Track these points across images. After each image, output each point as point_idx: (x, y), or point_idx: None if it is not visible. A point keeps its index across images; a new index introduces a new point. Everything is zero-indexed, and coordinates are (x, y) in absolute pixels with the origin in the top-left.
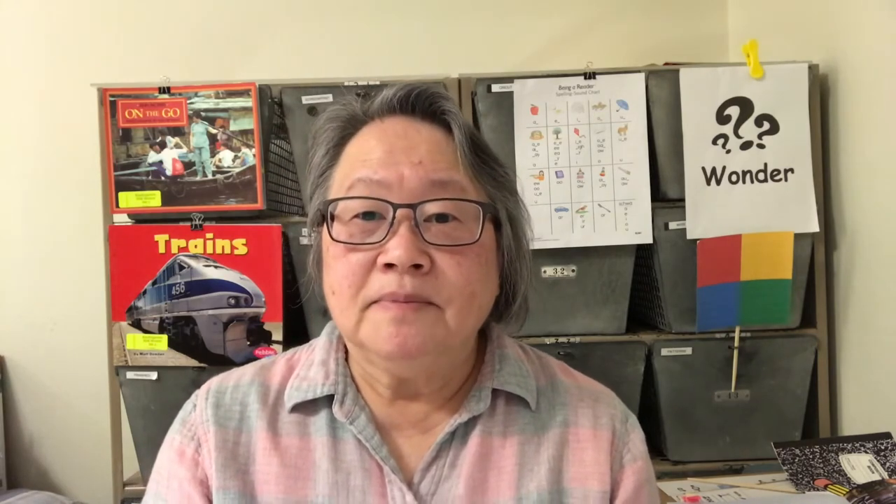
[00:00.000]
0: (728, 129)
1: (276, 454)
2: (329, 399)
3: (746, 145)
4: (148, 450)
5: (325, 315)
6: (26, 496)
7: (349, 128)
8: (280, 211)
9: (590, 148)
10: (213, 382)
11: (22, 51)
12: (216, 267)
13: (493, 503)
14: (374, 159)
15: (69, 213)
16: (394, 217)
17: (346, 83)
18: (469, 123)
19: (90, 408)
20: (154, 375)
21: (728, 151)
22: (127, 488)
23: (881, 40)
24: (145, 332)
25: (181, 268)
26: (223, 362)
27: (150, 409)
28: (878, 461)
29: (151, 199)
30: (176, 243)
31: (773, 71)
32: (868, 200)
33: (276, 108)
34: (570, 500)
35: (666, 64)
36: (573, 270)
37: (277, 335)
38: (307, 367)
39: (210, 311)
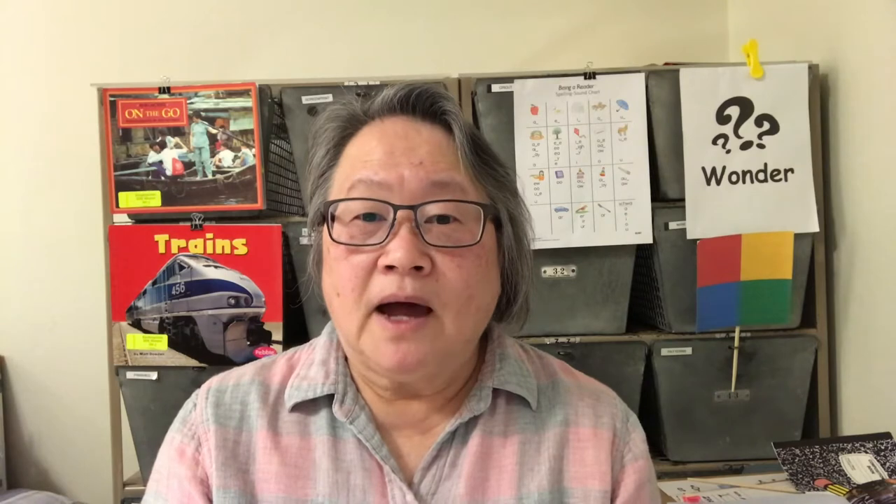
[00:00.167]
0: (728, 129)
1: (276, 453)
2: (329, 398)
3: (746, 145)
4: (148, 450)
5: (325, 315)
6: (26, 496)
7: (349, 128)
8: (280, 211)
9: (590, 148)
10: (214, 382)
11: (22, 51)
12: (216, 267)
13: (493, 503)
14: (375, 160)
15: (69, 213)
16: (394, 218)
17: (346, 83)
18: (470, 123)
19: (90, 408)
20: (154, 375)
21: (728, 151)
22: (127, 488)
23: (881, 40)
24: (145, 332)
25: (181, 268)
26: (223, 362)
27: (150, 409)
28: (878, 461)
29: (151, 199)
30: (176, 243)
31: (773, 71)
32: (868, 200)
33: (276, 108)
34: (571, 500)
35: (666, 64)
36: (573, 270)
37: (277, 335)
38: (307, 367)
39: (210, 311)
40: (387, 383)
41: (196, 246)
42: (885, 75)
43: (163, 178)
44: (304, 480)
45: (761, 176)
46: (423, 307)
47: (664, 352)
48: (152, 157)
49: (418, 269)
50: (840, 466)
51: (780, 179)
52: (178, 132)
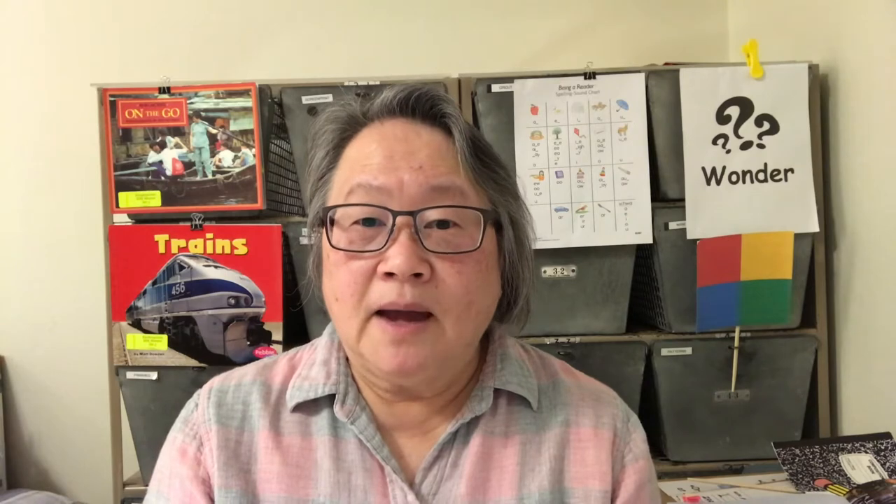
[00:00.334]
0: (728, 129)
1: (277, 453)
2: (331, 399)
3: (746, 145)
4: (148, 450)
5: (326, 315)
6: (26, 496)
7: (349, 129)
8: (280, 211)
9: (590, 148)
10: (216, 382)
11: (22, 51)
12: (216, 267)
13: (494, 503)
14: (374, 164)
15: (69, 213)
16: (393, 224)
17: (346, 83)
18: (470, 126)
19: (90, 408)
20: (154, 375)
21: (728, 151)
22: (127, 488)
23: (881, 40)
24: (145, 332)
25: (181, 268)
26: (223, 362)
27: (150, 409)
28: (878, 461)
29: (151, 199)
30: (176, 243)
31: (773, 71)
32: (868, 200)
33: (276, 108)
34: (572, 500)
35: (666, 64)
36: (573, 270)
37: (277, 335)
38: (309, 367)
39: (210, 311)
40: (388, 386)
41: (196, 246)
42: (885, 75)
43: (163, 178)
44: (306, 480)
45: (761, 176)
46: (423, 312)
47: (664, 352)
48: (152, 157)
49: (418, 275)
50: (840, 466)
51: (780, 179)
52: (178, 132)
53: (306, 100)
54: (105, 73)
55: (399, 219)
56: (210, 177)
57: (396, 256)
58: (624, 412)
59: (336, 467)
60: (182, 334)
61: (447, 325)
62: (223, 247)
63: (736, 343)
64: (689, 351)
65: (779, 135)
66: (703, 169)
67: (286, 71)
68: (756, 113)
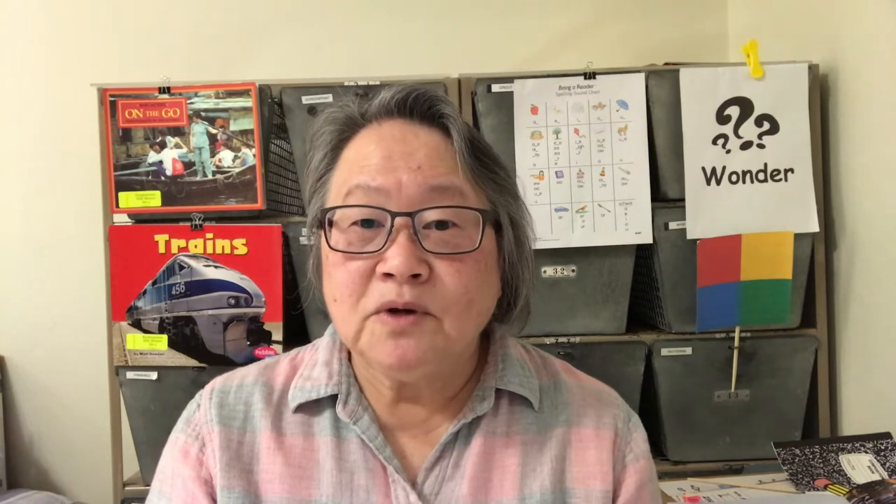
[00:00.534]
0: (728, 129)
1: (280, 454)
2: (333, 399)
3: (746, 145)
4: (148, 450)
5: (326, 315)
6: (26, 496)
7: (347, 131)
8: (280, 211)
9: (590, 148)
10: (217, 382)
11: (22, 51)
12: (216, 267)
13: (496, 503)
14: (373, 165)
15: (69, 213)
16: (392, 225)
17: (346, 83)
18: (469, 126)
19: (90, 408)
20: (154, 375)
21: (728, 151)
22: (127, 488)
23: (881, 40)
24: (145, 332)
25: (181, 268)
26: (223, 362)
27: (150, 409)
28: (878, 461)
29: (151, 199)
30: (176, 243)
31: (773, 71)
32: (868, 200)
33: (276, 108)
34: (573, 500)
35: (666, 64)
36: (573, 270)
37: (277, 335)
38: (311, 368)
39: (210, 311)
40: (389, 383)
41: (196, 246)
42: (885, 75)
43: (163, 178)
44: (308, 481)
45: (761, 176)
46: (422, 312)
47: (664, 352)
48: (152, 157)
49: (416, 276)
50: (840, 466)
51: (780, 179)
52: (178, 132)
53: (306, 100)
54: (105, 73)
55: (397, 220)
56: (210, 177)
57: (395, 257)
58: (625, 412)
59: (338, 467)
60: (182, 334)
61: (447, 324)
62: (223, 247)
63: (736, 343)
64: (689, 351)
65: (779, 135)
66: (703, 169)
67: (286, 71)
68: (756, 113)
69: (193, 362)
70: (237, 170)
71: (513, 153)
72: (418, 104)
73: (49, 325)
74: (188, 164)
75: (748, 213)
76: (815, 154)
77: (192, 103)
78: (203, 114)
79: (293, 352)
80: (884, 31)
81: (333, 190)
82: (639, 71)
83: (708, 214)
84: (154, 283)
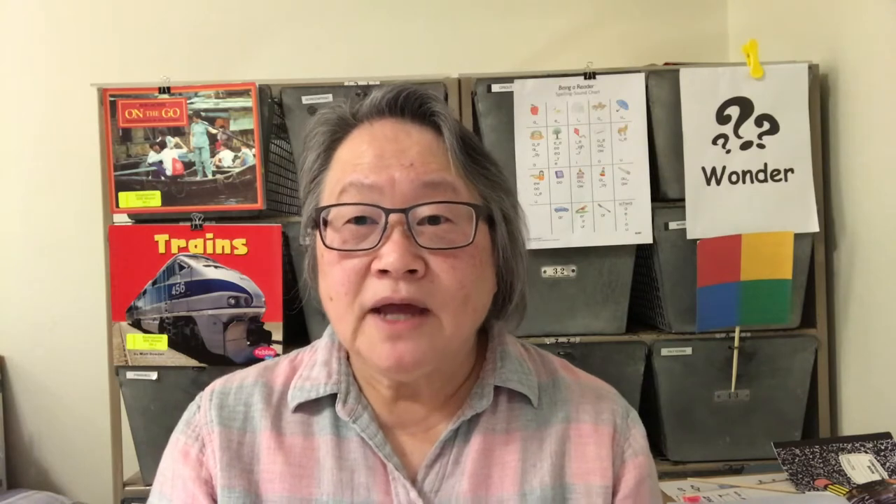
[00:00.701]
0: (728, 129)
1: (280, 453)
2: (332, 398)
3: (746, 145)
4: (148, 450)
5: (325, 316)
6: (26, 496)
7: (339, 131)
8: (280, 211)
9: (590, 148)
10: (217, 384)
11: (22, 51)
12: (216, 267)
13: (496, 499)
14: (365, 163)
15: (69, 213)
16: (386, 222)
17: (346, 83)
18: (459, 123)
19: (90, 408)
20: (154, 375)
21: (728, 151)
22: (127, 488)
23: (881, 40)
24: (145, 332)
25: (181, 268)
26: (223, 362)
27: (150, 409)
28: (878, 461)
29: (151, 199)
30: (176, 243)
31: (773, 71)
32: (868, 200)
33: (276, 108)
34: (573, 496)
35: (666, 64)
36: (573, 270)
37: (277, 335)
38: (310, 368)
39: (210, 311)
40: (388, 382)
41: (196, 246)
42: (885, 75)
43: (163, 178)
44: (309, 479)
45: (761, 176)
46: (419, 307)
47: (664, 352)
48: (152, 157)
49: (412, 272)
50: (840, 466)
51: (780, 179)
52: (178, 132)
53: (306, 100)
54: (105, 73)
55: (391, 216)
56: (210, 177)
57: (390, 254)
58: (623, 408)
59: (338, 466)
60: (182, 334)
61: (444, 320)
62: (223, 247)
63: (736, 343)
64: (689, 351)
65: (779, 135)
66: (703, 169)
67: (286, 71)
68: (756, 113)
69: (193, 362)
70: (237, 170)
71: (513, 153)
72: (409, 103)
73: (49, 325)
74: (188, 164)
75: (748, 213)
76: (815, 154)
77: (192, 103)
78: (203, 114)
79: (293, 353)
80: (884, 31)
81: (327, 190)
82: (639, 71)
83: (708, 214)
84: (154, 283)
